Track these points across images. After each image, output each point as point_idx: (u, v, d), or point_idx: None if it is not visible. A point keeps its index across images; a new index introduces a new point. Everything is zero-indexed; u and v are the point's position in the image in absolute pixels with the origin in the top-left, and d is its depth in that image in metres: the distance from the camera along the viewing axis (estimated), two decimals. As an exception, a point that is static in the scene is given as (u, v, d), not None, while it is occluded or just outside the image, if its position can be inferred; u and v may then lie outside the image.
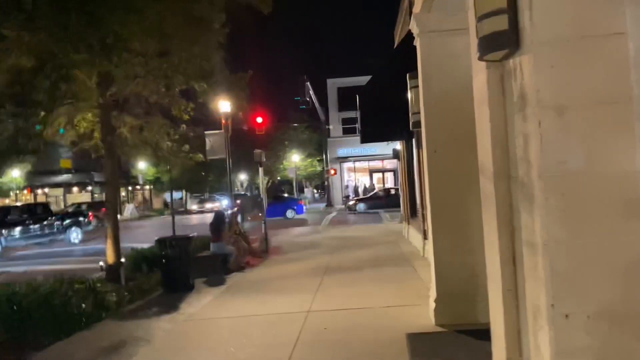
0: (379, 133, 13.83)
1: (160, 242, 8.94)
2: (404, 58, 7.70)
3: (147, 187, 58.95)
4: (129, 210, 51.43)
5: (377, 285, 7.96)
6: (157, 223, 31.65)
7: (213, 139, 14.76)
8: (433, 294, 5.82)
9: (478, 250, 4.65)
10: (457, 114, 5.56)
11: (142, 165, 46.46)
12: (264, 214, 13.92)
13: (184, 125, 10.64)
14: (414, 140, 12.49)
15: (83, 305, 7.00)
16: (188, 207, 53.91)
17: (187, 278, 9.06)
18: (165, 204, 56.43)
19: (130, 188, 60.67)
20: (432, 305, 5.72)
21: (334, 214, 30.63)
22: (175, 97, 10.62)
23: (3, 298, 6.47)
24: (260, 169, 16.11)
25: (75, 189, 48.34)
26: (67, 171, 44.35)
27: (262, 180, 16.16)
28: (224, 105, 14.39)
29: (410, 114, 6.20)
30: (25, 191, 42.07)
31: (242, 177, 74.13)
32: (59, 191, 47.06)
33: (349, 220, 25.15)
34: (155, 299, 8.47)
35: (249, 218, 13.75)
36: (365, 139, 13.90)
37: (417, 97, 5.90)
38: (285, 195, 41.07)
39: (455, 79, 5.55)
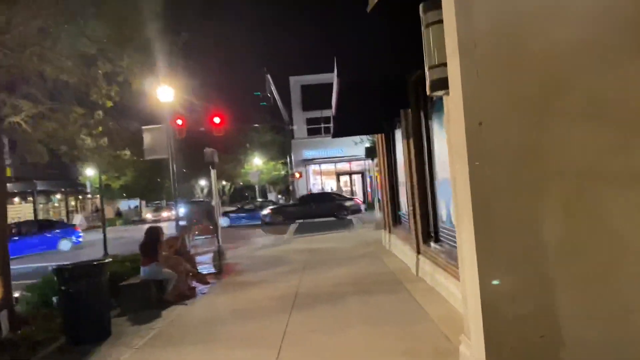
0: (353, 126, 11.54)
1: (58, 272, 6.31)
2: (384, 29, 5.42)
3: (98, 195, 55.15)
4: (77, 220, 47.66)
5: (370, 330, 5.59)
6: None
7: (152, 136, 12.12)
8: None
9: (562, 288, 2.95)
10: (523, 62, 3.28)
11: (90, 172, 42.89)
12: (216, 224, 11.40)
13: (99, 112, 8.01)
14: (398, 131, 10.22)
15: None
16: (143, 216, 50.43)
17: (101, 320, 6.48)
18: (118, 213, 52.79)
19: (80, 197, 56.65)
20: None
21: (300, 220, 28.16)
22: (91, 75, 8.03)
23: None
24: (213, 172, 13.57)
25: (16, 199, 44.22)
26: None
27: (215, 185, 13.60)
28: (163, 93, 11.80)
29: (427, 69, 3.89)
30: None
31: (203, 182, 70.88)
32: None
33: (318, 227, 22.77)
34: (47, 358, 5.85)
35: (196, 231, 11.16)
36: (338, 133, 11.58)
37: (439, 38, 3.61)
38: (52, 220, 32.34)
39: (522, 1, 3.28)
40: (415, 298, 6.79)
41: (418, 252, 8.35)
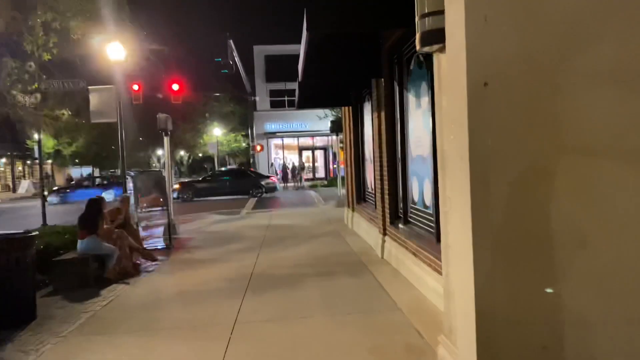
0: (320, 97, 10.81)
1: (-29, 247, 5.39)
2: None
3: (49, 161, 52.62)
4: (24, 187, 45.31)
5: (331, 321, 4.98)
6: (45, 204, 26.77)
7: (100, 97, 11.01)
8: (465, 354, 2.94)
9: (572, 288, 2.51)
10: (541, 6, 2.64)
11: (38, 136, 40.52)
12: (167, 196, 10.53)
13: (31, 64, 6.99)
14: (367, 104, 9.57)
15: None
16: (96, 184, 48.29)
17: (24, 302, 5.64)
18: (70, 179, 50.49)
19: (29, 162, 53.97)
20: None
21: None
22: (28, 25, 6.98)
23: None
24: (166, 139, 12.59)
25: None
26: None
27: (167, 154, 12.66)
28: (113, 50, 10.69)
29: (417, 18, 3.20)
30: None
31: (161, 152, 68.80)
32: None
33: (277, 202, 22.08)
34: (-46, 346, 4.99)
35: (145, 204, 10.28)
36: (303, 103, 10.83)
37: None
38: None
39: None
40: (380, 283, 6.24)
41: (384, 234, 7.80)
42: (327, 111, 26.34)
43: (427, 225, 5.94)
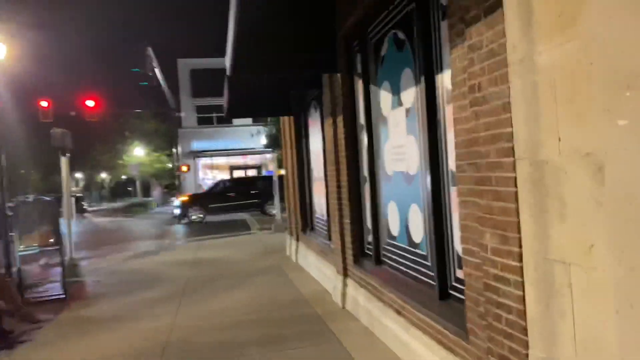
0: (254, 103, 8.94)
1: None
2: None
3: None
4: None
5: None
6: None
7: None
8: None
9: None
10: None
11: None
12: (59, 232, 8.14)
13: None
14: (315, 112, 7.86)
15: None
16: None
17: None
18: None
19: None
20: None
21: (186, 220, 24.81)
22: None
23: None
24: (64, 160, 10.18)
25: None
26: None
27: (66, 177, 10.24)
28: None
29: None
30: None
31: (78, 175, 63.91)
32: None
33: (206, 228, 19.77)
34: None
35: (32, 242, 7.91)
36: (234, 111, 8.90)
37: None
38: None
39: None
40: (352, 355, 4.41)
41: (344, 274, 6.00)
42: (261, 128, 24.46)
43: (417, 270, 4.21)
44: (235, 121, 35.51)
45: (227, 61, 5.54)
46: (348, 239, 5.83)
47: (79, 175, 61.41)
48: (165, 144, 37.31)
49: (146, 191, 43.60)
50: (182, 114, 32.64)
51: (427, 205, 3.83)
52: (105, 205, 41.00)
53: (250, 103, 8.46)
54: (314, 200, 8.62)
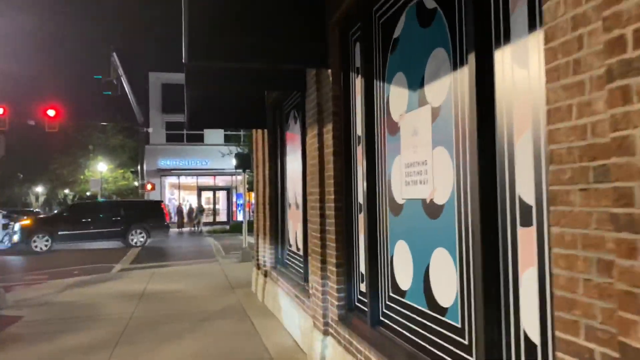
0: (219, 111, 7.57)
1: None
2: None
3: None
4: None
5: None
6: None
7: None
8: None
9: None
10: None
11: None
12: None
13: None
14: (294, 124, 6.54)
15: None
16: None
17: None
18: None
19: None
20: None
21: (145, 242, 22.92)
22: None
23: None
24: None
25: None
26: None
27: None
28: None
29: None
30: None
31: (38, 189, 60.97)
32: None
33: (164, 252, 18.00)
34: None
35: None
36: (195, 121, 7.48)
37: None
38: None
39: None
40: None
41: (325, 332, 4.57)
42: (233, 148, 23.03)
43: (443, 348, 2.83)
44: (207, 139, 33.99)
45: (183, 41, 4.16)
46: (332, 285, 4.43)
47: (39, 189, 58.34)
48: (131, 160, 35.35)
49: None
50: (150, 130, 30.91)
51: (469, 252, 2.49)
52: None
53: (216, 110, 7.07)
54: (288, 229, 7.21)
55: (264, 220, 8.24)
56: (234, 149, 21.81)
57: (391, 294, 3.56)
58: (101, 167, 32.60)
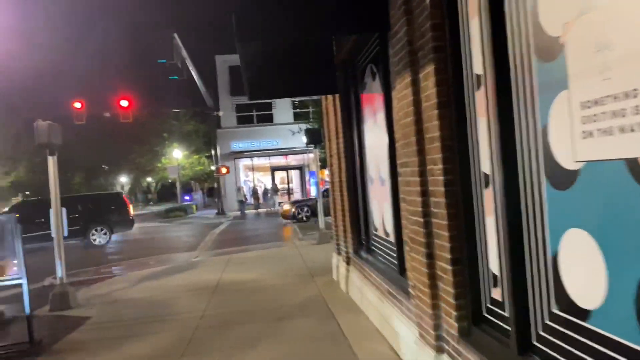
0: (283, 75, 6.42)
1: None
2: None
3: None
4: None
5: None
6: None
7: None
8: None
9: None
10: None
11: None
12: (20, 261, 5.87)
13: None
14: (372, 80, 5.29)
15: None
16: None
17: None
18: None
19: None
20: None
21: (223, 226, 22.78)
22: None
23: None
24: (51, 160, 8.00)
25: None
26: None
27: (54, 180, 8.08)
28: None
29: None
30: None
31: (123, 179, 63.86)
32: None
33: (241, 235, 17.51)
34: None
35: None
36: (256, 90, 6.39)
37: None
38: None
39: None
40: None
41: (438, 349, 3.38)
42: (303, 125, 22.13)
43: None
44: (276, 119, 33.41)
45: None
46: (446, 287, 3.22)
47: (123, 179, 60.97)
48: (205, 145, 35.58)
49: (187, 194, 42.12)
50: (221, 113, 30.71)
51: None
52: (146, 210, 39.71)
53: (277, 75, 5.96)
54: (372, 209, 6.02)
55: (342, 200, 7.11)
56: (304, 127, 20.87)
57: (556, 311, 2.29)
58: (176, 154, 33.00)
